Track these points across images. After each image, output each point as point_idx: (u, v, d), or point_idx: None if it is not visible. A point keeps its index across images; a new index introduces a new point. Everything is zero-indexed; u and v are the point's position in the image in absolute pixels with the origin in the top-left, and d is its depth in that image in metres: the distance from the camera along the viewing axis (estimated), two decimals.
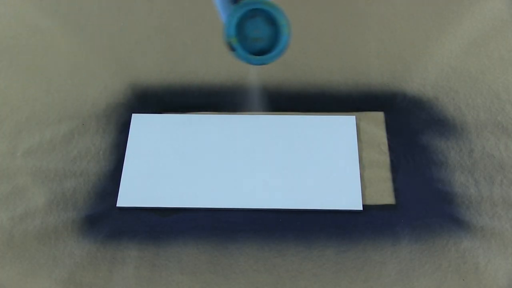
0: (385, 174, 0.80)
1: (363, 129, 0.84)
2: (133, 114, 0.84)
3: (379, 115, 0.84)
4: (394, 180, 0.80)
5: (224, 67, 0.91)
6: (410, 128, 0.84)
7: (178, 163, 0.80)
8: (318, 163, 0.81)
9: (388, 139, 0.83)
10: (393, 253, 0.73)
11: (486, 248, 0.74)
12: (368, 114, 0.86)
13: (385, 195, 0.78)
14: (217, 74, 0.90)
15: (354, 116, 0.85)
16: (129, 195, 0.77)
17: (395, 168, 0.81)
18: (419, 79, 0.88)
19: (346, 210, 0.77)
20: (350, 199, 0.78)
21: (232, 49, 0.64)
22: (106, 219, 0.76)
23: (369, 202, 0.78)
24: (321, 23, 0.97)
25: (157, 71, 0.89)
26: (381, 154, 0.81)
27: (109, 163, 0.80)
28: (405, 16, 0.98)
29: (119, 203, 0.77)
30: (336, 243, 0.74)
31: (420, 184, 0.80)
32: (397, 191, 0.79)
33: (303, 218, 0.76)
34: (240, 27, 0.64)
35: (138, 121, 0.84)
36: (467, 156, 0.82)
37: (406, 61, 0.90)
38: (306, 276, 0.72)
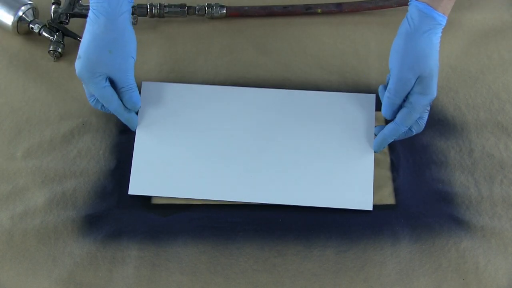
0: (385, 174, 0.80)
1: None
2: (142, 82, 0.81)
3: (379, 115, 0.84)
4: (394, 180, 0.80)
5: (224, 67, 0.91)
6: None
7: (191, 147, 0.78)
8: (330, 155, 0.77)
9: None
10: (393, 253, 0.73)
11: (486, 248, 0.74)
12: None
13: (385, 195, 0.78)
14: (217, 74, 0.90)
15: (373, 95, 0.80)
16: (141, 182, 0.77)
17: (395, 168, 0.81)
18: None
19: (355, 210, 0.76)
20: (360, 198, 0.76)
21: None
22: (106, 219, 0.75)
23: None
24: (321, 23, 0.97)
25: (157, 71, 0.89)
26: (381, 154, 0.81)
27: (109, 163, 0.80)
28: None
29: (131, 191, 0.77)
30: (336, 243, 0.74)
31: (420, 184, 0.80)
32: (397, 191, 0.79)
33: (303, 218, 0.76)
34: None
35: (149, 90, 0.80)
36: (467, 156, 0.82)
37: None
38: (306, 276, 0.72)
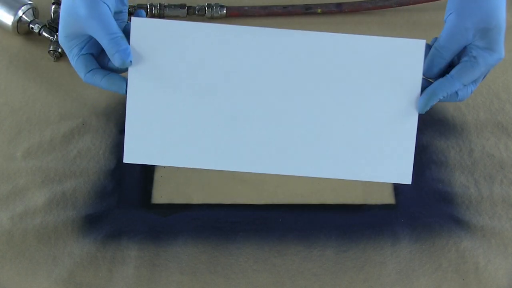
0: None
1: None
2: (132, 18, 0.62)
3: None
4: None
5: None
6: None
7: (197, 103, 0.64)
8: (364, 115, 0.63)
9: None
10: (393, 253, 0.73)
11: (486, 248, 0.74)
12: None
13: (385, 195, 0.78)
14: None
15: (423, 41, 0.62)
16: (137, 148, 0.65)
17: None
18: None
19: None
20: (398, 169, 0.64)
21: None
22: (106, 219, 0.75)
23: (369, 201, 0.78)
24: (321, 23, 0.97)
25: None
26: None
27: (109, 163, 0.80)
28: (405, 16, 0.98)
29: (126, 159, 0.65)
30: (336, 243, 0.74)
31: (420, 184, 0.80)
32: (397, 191, 0.79)
33: (303, 218, 0.76)
34: None
35: (142, 29, 0.61)
36: (467, 156, 0.82)
37: None
38: (306, 276, 0.72)
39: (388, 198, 0.78)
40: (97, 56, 0.63)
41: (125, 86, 0.63)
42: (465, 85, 0.62)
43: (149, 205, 0.78)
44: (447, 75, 0.62)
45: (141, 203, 0.78)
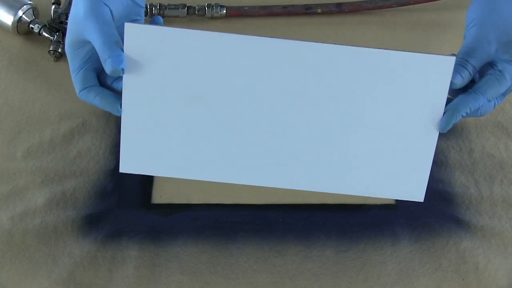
0: None
1: None
2: (125, 24, 0.57)
3: None
4: None
5: None
6: None
7: (197, 112, 0.61)
8: (379, 131, 0.60)
9: None
10: (393, 253, 0.73)
11: (486, 248, 0.74)
12: None
13: None
14: None
15: (453, 58, 0.57)
16: (134, 157, 0.63)
17: None
18: None
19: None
20: (411, 186, 0.62)
21: None
22: (106, 219, 0.75)
23: (369, 201, 0.78)
24: (321, 23, 0.97)
25: None
26: None
27: (109, 163, 0.80)
28: (405, 16, 0.98)
29: (122, 169, 0.64)
30: (336, 243, 0.74)
31: None
32: None
33: (303, 218, 0.76)
34: None
35: (137, 36, 0.57)
36: (467, 156, 0.82)
37: None
38: (306, 276, 0.72)
39: (388, 198, 0.78)
40: (99, 73, 0.61)
41: (119, 106, 0.60)
42: (489, 100, 0.58)
43: (149, 205, 0.78)
44: (470, 90, 0.58)
45: (141, 203, 0.78)
